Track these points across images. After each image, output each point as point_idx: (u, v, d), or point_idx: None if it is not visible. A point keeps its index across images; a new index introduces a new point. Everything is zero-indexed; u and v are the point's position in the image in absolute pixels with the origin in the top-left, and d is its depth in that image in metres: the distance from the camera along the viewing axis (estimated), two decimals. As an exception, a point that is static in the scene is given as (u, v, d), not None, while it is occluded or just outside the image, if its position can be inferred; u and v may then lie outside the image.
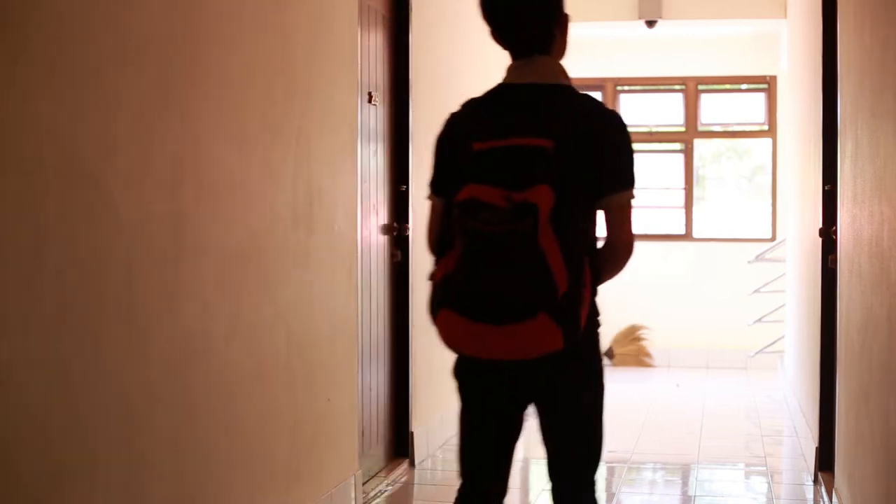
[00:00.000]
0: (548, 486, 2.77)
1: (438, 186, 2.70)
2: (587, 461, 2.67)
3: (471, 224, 2.42)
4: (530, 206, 2.39)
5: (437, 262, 2.56)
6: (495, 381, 2.62)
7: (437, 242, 2.63)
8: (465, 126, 2.65)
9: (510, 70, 2.67)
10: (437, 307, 2.51)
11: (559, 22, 2.65)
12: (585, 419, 2.64)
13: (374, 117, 4.77)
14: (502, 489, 2.68)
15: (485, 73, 6.86)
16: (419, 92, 5.27)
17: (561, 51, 2.69)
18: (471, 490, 2.68)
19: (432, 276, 2.54)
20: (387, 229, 4.97)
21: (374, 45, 4.79)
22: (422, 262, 5.30)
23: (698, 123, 9.10)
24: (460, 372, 2.70)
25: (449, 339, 2.54)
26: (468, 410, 2.69)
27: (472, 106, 2.71)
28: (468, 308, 2.45)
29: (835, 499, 4.07)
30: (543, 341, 2.41)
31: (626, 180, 2.54)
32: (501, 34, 2.64)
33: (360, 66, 4.43)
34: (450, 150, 2.66)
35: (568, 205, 2.42)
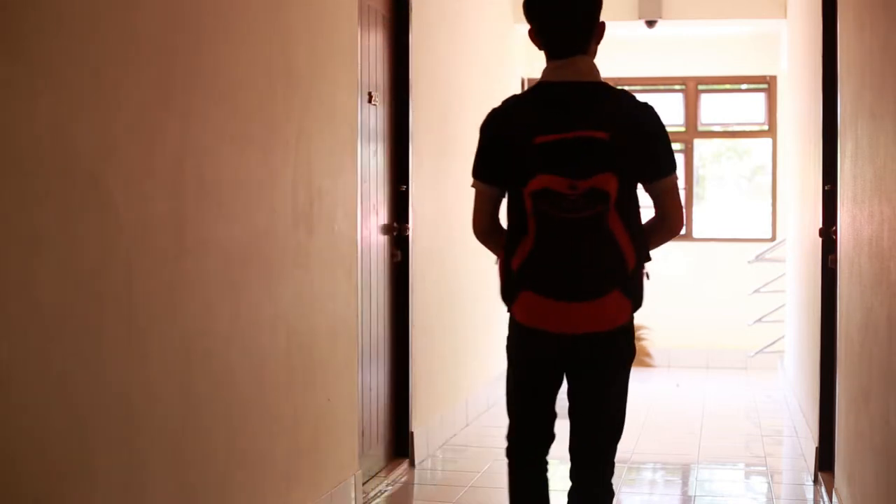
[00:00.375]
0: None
1: (487, 175, 2.92)
2: (613, 435, 2.91)
3: (552, 211, 2.72)
4: (602, 193, 2.71)
5: (503, 248, 2.85)
6: (559, 352, 2.83)
7: (493, 227, 2.96)
8: (519, 121, 2.85)
9: (550, 69, 2.88)
10: (517, 290, 2.79)
11: (598, 28, 2.93)
12: (619, 395, 2.90)
13: (374, 117, 4.77)
14: (552, 437, 2.97)
15: (485, 74, 6.87)
16: (419, 92, 5.27)
17: (594, 54, 2.96)
18: (525, 442, 2.95)
19: (506, 263, 2.81)
20: (387, 229, 4.97)
21: (374, 45, 4.79)
22: (422, 262, 5.30)
23: (698, 123, 9.10)
24: (522, 344, 2.89)
25: (531, 319, 2.79)
26: (525, 378, 2.92)
27: (518, 103, 2.92)
28: (551, 289, 2.74)
29: (835, 499, 4.07)
30: (617, 315, 2.79)
31: (672, 164, 2.88)
32: (549, 34, 2.88)
33: (360, 66, 4.43)
34: (504, 143, 2.85)
35: (626, 189, 2.77)
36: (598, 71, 2.90)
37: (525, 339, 2.86)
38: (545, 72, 2.89)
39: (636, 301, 2.86)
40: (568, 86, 2.84)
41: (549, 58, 2.90)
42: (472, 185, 2.99)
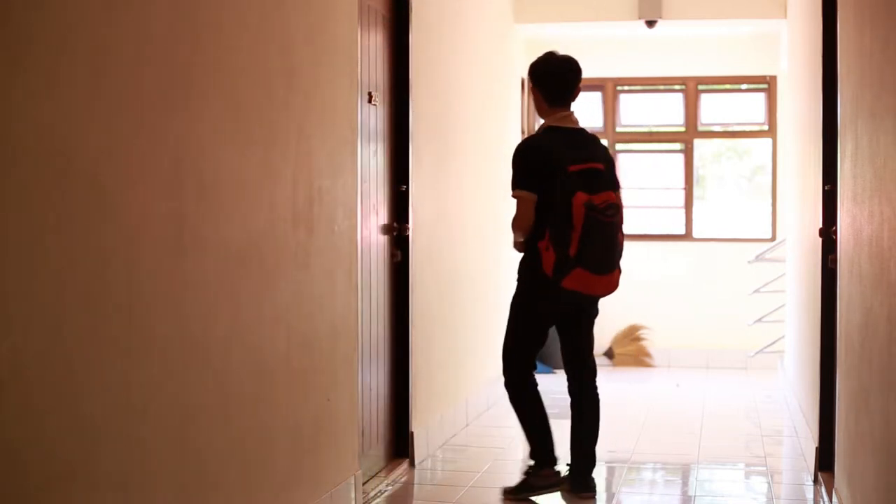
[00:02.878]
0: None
1: (534, 187, 4.36)
2: (592, 349, 4.68)
3: (599, 216, 4.26)
4: (617, 205, 4.37)
5: (552, 241, 4.28)
6: (576, 306, 4.51)
7: (532, 223, 4.39)
8: (552, 154, 4.36)
9: (556, 119, 4.54)
10: (571, 268, 4.25)
11: (578, 90, 4.63)
12: (592, 327, 4.67)
13: (375, 117, 4.77)
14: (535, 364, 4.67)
15: (485, 74, 6.87)
16: (419, 92, 5.27)
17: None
18: (523, 369, 4.56)
19: (561, 250, 4.25)
20: (387, 229, 4.97)
21: (374, 45, 4.79)
22: (422, 262, 5.30)
23: (698, 123, 9.10)
24: (555, 299, 4.42)
25: (578, 286, 4.30)
26: (543, 322, 4.54)
27: (545, 140, 4.47)
28: (595, 267, 4.29)
29: (835, 499, 4.08)
30: (616, 284, 4.43)
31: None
32: (555, 94, 4.56)
33: (360, 66, 4.43)
34: (544, 167, 4.34)
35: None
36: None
37: (559, 296, 4.36)
38: (551, 119, 4.54)
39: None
40: (572, 131, 4.52)
41: (549, 107, 4.55)
42: (518, 195, 4.40)
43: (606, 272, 4.33)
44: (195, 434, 2.93)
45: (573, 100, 4.58)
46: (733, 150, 9.45)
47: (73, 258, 2.36)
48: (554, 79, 4.52)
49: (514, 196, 4.43)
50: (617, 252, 4.37)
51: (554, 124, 4.50)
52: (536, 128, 4.59)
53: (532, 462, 4.61)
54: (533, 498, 4.55)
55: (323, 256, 3.90)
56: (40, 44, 2.24)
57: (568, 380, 4.60)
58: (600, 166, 4.37)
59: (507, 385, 4.57)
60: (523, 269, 4.48)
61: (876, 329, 3.13)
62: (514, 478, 4.93)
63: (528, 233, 4.38)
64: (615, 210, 4.32)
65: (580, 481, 4.55)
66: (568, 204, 4.24)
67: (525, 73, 8.79)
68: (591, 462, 4.57)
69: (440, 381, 5.73)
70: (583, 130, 4.52)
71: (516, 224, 4.42)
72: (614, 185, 4.40)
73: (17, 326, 2.17)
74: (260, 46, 3.38)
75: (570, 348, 4.58)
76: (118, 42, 2.54)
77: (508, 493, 4.60)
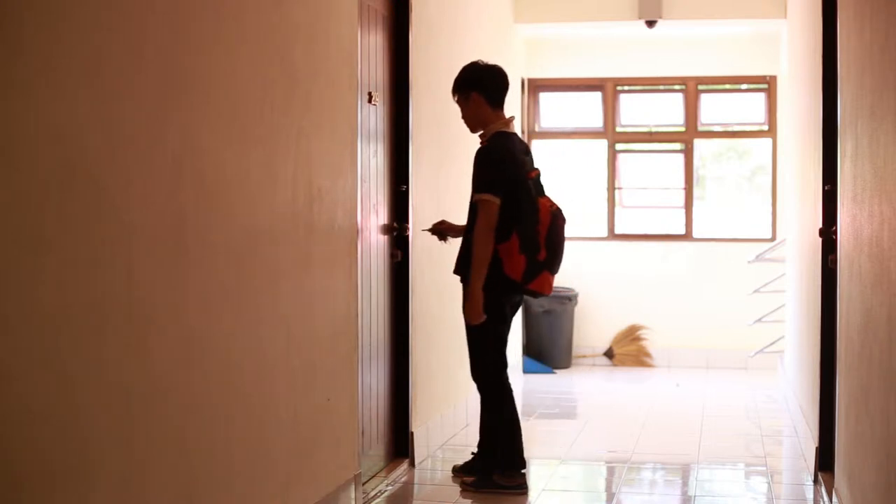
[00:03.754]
0: (547, 486, 4.80)
1: (499, 191, 4.47)
2: None
3: (560, 221, 4.56)
4: (561, 210, 4.62)
5: (522, 246, 4.48)
6: (519, 304, 4.78)
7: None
8: (517, 159, 4.57)
9: (503, 123, 4.66)
10: (540, 270, 4.51)
11: None
12: None
13: (374, 117, 4.77)
14: None
15: (485, 73, 6.85)
16: (419, 92, 5.27)
17: None
18: (504, 361, 4.71)
19: (533, 254, 4.48)
20: (387, 229, 4.96)
21: (374, 44, 4.79)
22: (421, 262, 5.30)
23: (698, 123, 9.10)
24: (516, 298, 4.68)
25: (539, 287, 4.54)
26: (508, 319, 4.71)
27: (510, 145, 4.59)
28: (553, 268, 4.57)
29: (835, 499, 4.08)
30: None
31: None
32: (497, 96, 4.68)
33: (360, 66, 4.43)
34: (514, 173, 4.53)
35: None
36: None
37: (519, 294, 4.64)
38: (499, 125, 4.64)
39: None
40: (518, 137, 4.77)
41: (493, 110, 4.65)
42: (487, 199, 4.46)
43: (557, 272, 4.65)
44: (195, 434, 2.93)
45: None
46: (733, 150, 9.45)
47: (73, 258, 2.35)
48: (495, 80, 4.65)
49: (479, 200, 4.47)
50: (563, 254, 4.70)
51: (503, 129, 4.61)
52: (490, 134, 4.66)
53: (477, 454, 4.81)
54: (490, 492, 4.66)
55: (323, 256, 3.90)
56: (41, 44, 2.24)
57: (504, 368, 4.71)
58: (540, 172, 4.68)
59: (499, 386, 4.68)
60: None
61: (876, 329, 3.13)
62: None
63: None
64: (563, 213, 4.62)
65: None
66: (535, 210, 4.48)
67: (525, 73, 8.80)
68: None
69: (440, 381, 5.73)
70: (519, 135, 4.77)
71: (487, 228, 4.45)
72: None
73: (16, 326, 2.17)
74: (260, 47, 3.38)
75: (507, 337, 4.78)
76: (118, 42, 2.54)
77: (469, 485, 4.70)
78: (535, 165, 4.69)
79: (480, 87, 4.61)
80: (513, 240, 4.46)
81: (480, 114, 4.64)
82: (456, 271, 4.69)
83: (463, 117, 4.74)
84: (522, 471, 4.71)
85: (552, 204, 4.56)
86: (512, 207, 4.47)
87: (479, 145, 4.69)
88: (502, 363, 4.69)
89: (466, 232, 4.62)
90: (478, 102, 4.62)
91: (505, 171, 4.48)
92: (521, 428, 4.74)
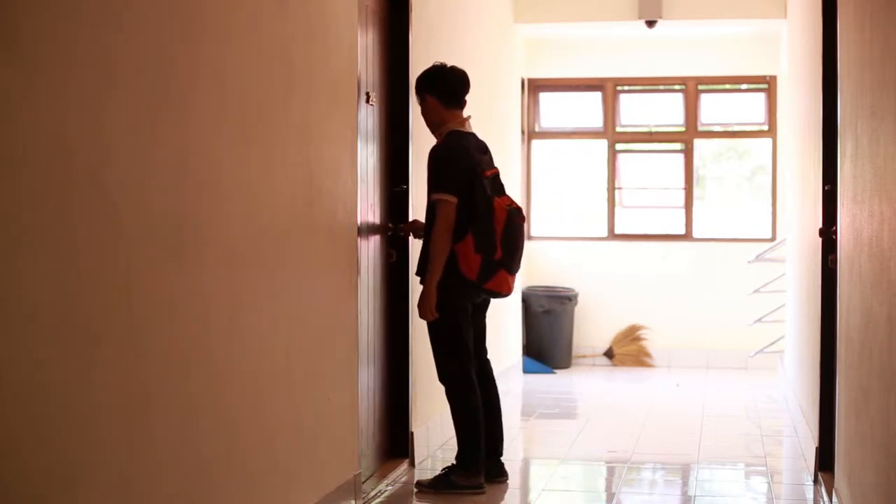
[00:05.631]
0: (547, 486, 4.76)
1: (456, 190, 4.51)
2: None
3: (515, 220, 4.54)
4: (520, 209, 4.64)
5: (477, 245, 4.50)
6: (485, 301, 4.81)
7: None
8: (474, 158, 4.58)
9: (459, 122, 4.69)
10: (496, 270, 4.52)
11: None
12: None
13: (371, 118, 4.77)
14: None
15: (485, 74, 6.87)
16: (419, 92, 5.26)
17: None
18: (466, 359, 4.65)
19: (488, 254, 4.49)
20: (386, 229, 4.96)
21: (373, 44, 4.79)
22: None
23: (698, 123, 9.10)
24: (475, 298, 4.67)
25: (496, 286, 4.56)
26: (468, 318, 4.66)
27: (465, 144, 4.61)
28: (511, 268, 4.58)
29: (835, 499, 4.08)
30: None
31: None
32: (451, 95, 4.69)
33: (359, 66, 4.43)
34: (469, 171, 4.54)
35: None
36: None
37: (479, 294, 4.64)
38: (455, 123, 4.67)
39: None
40: (474, 136, 4.73)
41: (446, 109, 4.68)
42: (444, 198, 4.49)
43: (516, 271, 4.64)
44: (195, 434, 2.93)
45: (464, 104, 4.75)
46: (733, 150, 9.45)
47: (73, 258, 2.35)
48: (446, 82, 4.69)
49: (437, 200, 4.50)
50: (522, 253, 4.70)
51: (458, 129, 4.65)
52: (444, 134, 4.68)
53: (455, 462, 4.67)
54: (447, 492, 4.59)
55: (323, 257, 3.90)
56: (41, 44, 2.24)
57: (467, 366, 4.65)
58: (498, 171, 4.73)
59: (461, 387, 4.64)
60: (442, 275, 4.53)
61: (876, 329, 3.13)
62: (514, 478, 4.94)
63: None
64: (522, 213, 4.65)
65: (497, 466, 4.76)
66: (490, 209, 4.48)
67: (525, 73, 8.80)
68: (501, 442, 4.81)
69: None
70: (475, 135, 4.74)
71: (445, 227, 4.47)
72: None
73: (17, 326, 2.17)
74: (260, 46, 3.38)
75: (475, 336, 4.76)
76: (119, 42, 2.54)
77: (423, 485, 4.66)
78: (493, 163, 4.73)
79: (432, 90, 4.67)
80: (468, 239, 4.48)
81: (435, 115, 4.69)
82: (417, 272, 4.70)
83: (425, 120, 4.79)
84: (481, 473, 4.63)
85: (510, 203, 4.57)
86: (467, 207, 4.49)
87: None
88: (463, 361, 4.63)
89: (426, 232, 4.63)
90: (432, 104, 4.68)
91: (459, 170, 4.50)
92: (485, 431, 4.68)
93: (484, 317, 4.88)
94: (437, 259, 4.50)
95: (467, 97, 4.78)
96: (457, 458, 4.68)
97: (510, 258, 4.52)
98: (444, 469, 4.71)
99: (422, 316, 4.64)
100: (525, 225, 4.70)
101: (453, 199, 4.47)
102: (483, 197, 4.49)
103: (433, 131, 4.78)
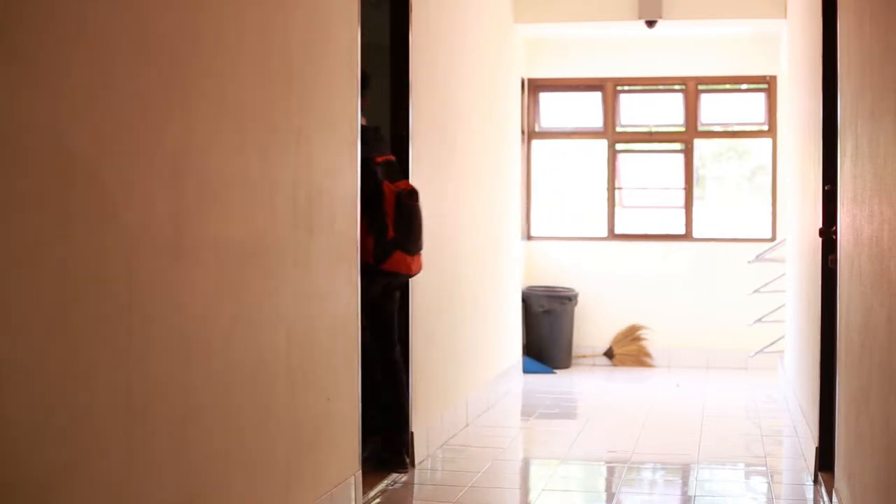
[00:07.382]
0: (547, 486, 4.64)
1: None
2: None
3: (409, 202, 4.79)
4: (416, 191, 4.86)
5: (367, 225, 4.61)
6: (397, 284, 4.94)
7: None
8: (366, 147, 4.56)
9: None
10: (391, 251, 4.75)
11: None
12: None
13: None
14: None
15: (485, 73, 6.87)
16: (419, 92, 5.27)
17: None
18: (374, 342, 4.85)
19: (381, 234, 4.74)
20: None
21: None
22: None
23: (698, 123, 9.10)
24: (379, 280, 4.78)
25: (397, 267, 4.78)
26: (374, 300, 4.76)
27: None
28: (407, 247, 4.80)
29: (835, 499, 4.08)
30: (421, 264, 4.92)
31: None
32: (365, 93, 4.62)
33: (360, 65, 4.43)
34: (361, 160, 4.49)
35: None
36: None
37: (383, 277, 4.78)
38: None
39: None
40: (365, 127, 4.60)
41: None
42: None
43: (417, 252, 4.87)
44: (195, 434, 2.93)
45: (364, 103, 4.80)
46: (733, 150, 9.45)
47: (74, 258, 2.35)
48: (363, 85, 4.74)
49: None
50: (422, 232, 4.90)
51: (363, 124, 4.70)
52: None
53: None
54: None
55: (323, 256, 3.90)
56: (41, 43, 2.24)
57: (377, 352, 4.91)
58: (393, 158, 4.94)
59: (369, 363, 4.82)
60: None
61: (876, 329, 3.13)
62: (514, 478, 4.94)
63: None
64: (417, 195, 4.85)
65: (400, 456, 4.98)
66: (380, 193, 4.73)
67: (525, 73, 8.80)
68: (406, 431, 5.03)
69: (440, 381, 5.73)
70: (370, 127, 4.85)
71: None
72: (406, 174, 5.02)
73: (17, 326, 2.17)
74: (260, 46, 3.38)
75: (384, 323, 4.93)
76: (118, 42, 2.54)
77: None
78: (388, 151, 4.93)
79: None
80: (362, 223, 4.57)
81: None
82: None
83: None
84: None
85: (405, 185, 4.81)
86: (361, 191, 4.64)
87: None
88: (372, 343, 4.86)
89: None
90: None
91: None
92: (370, 416, 4.77)
93: (392, 305, 4.96)
94: None
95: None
96: None
97: (405, 237, 4.75)
98: None
99: None
100: (420, 205, 4.83)
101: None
102: (373, 181, 4.68)
103: None
